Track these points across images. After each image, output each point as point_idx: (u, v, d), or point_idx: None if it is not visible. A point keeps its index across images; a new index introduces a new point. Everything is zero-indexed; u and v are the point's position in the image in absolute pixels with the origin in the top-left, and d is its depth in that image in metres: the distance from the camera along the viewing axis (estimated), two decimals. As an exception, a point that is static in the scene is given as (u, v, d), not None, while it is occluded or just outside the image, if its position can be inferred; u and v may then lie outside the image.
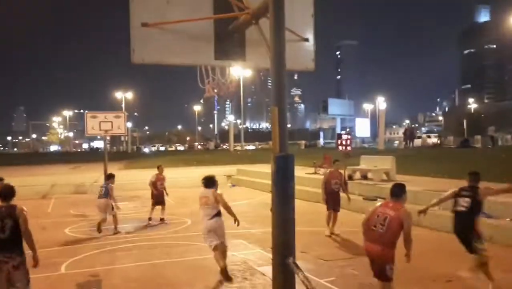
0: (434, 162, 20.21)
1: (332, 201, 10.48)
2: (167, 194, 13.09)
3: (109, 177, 11.77)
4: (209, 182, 7.66)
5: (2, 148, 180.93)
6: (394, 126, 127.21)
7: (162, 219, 12.61)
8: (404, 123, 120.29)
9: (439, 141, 45.40)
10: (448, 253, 8.45)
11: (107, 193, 11.19)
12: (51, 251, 9.02)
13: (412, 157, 23.40)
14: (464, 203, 6.31)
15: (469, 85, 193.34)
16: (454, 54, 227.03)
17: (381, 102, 54.99)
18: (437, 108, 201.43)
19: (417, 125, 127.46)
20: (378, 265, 5.33)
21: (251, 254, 8.59)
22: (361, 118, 71.04)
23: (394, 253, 5.28)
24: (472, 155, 22.44)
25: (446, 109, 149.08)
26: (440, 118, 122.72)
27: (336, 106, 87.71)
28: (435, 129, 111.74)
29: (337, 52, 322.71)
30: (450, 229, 7.49)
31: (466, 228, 6.31)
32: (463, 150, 28.08)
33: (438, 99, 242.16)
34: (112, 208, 11.13)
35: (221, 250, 7.00)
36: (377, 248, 5.25)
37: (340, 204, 10.60)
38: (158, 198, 12.72)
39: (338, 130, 75.64)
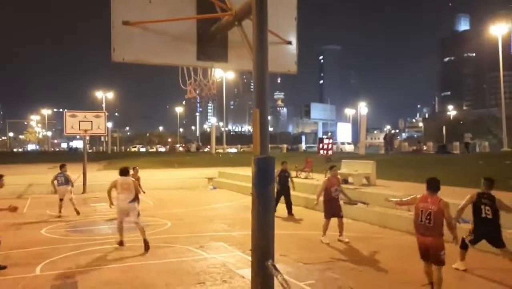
0: (414, 168, 20.48)
1: (333, 208, 10.06)
2: (143, 192, 13.65)
3: (63, 166, 13.66)
4: (126, 171, 10.01)
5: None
6: (375, 132, 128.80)
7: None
8: (385, 129, 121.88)
9: (418, 148, 46.11)
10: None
11: (67, 181, 13.36)
12: (26, 252, 8.82)
13: (392, 162, 23.68)
14: (488, 211, 7.02)
15: (448, 92, 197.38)
16: (434, 61, 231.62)
17: (363, 108, 55.53)
18: (418, 115, 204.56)
19: (397, 130, 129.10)
20: (433, 253, 6.05)
21: (231, 257, 8.54)
22: (343, 123, 71.65)
23: (443, 240, 6.05)
24: (450, 161, 22.84)
25: (426, 115, 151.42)
26: (420, 124, 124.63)
27: (318, 111, 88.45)
28: (415, 135, 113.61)
29: (320, 57, 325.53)
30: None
31: (493, 231, 7.08)
32: (441, 156, 28.55)
33: (419, 106, 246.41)
34: (71, 192, 13.39)
35: (139, 228, 9.22)
36: (429, 239, 6.02)
37: (341, 209, 10.25)
38: None
39: (320, 135, 76.22)
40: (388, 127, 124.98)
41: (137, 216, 9.29)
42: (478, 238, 7.24)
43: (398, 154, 36.41)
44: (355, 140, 76.83)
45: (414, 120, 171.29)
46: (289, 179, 13.87)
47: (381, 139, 52.55)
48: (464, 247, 7.34)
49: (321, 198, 10.23)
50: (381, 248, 9.33)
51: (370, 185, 15.26)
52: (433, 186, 6.22)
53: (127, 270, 7.62)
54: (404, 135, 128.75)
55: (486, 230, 7.09)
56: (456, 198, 11.30)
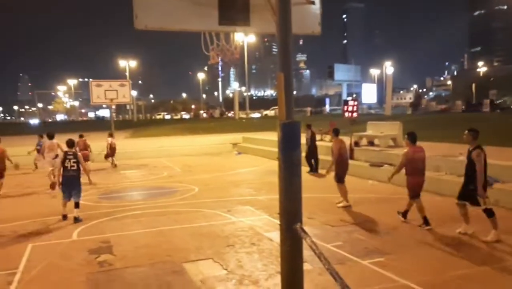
0: (442, 127, 20.10)
1: (346, 169, 10.03)
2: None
3: (42, 136, 15.62)
4: (53, 135, 13.29)
5: (9, 118, 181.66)
6: (401, 92, 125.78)
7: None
8: (411, 88, 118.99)
9: (447, 107, 45.00)
10: (454, 218, 8.54)
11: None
12: (62, 219, 9.17)
13: (420, 122, 23.26)
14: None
15: (478, 48, 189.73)
16: (463, 16, 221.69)
17: (388, 67, 54.04)
18: (446, 73, 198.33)
19: (425, 90, 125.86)
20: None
21: (258, 220, 8.70)
22: (368, 84, 70.19)
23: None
24: (479, 119, 22.25)
25: (455, 73, 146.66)
26: (449, 82, 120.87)
27: (342, 72, 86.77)
28: (443, 94, 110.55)
29: (343, 16, 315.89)
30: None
31: None
32: (470, 114, 27.82)
33: (447, 63, 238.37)
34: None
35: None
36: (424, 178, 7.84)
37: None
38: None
39: (344, 97, 75.07)
40: (415, 86, 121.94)
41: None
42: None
43: (425, 113, 35.66)
44: (381, 101, 75.51)
45: (442, 78, 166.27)
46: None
47: (408, 100, 51.47)
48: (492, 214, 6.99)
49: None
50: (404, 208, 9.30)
51: (396, 146, 15.09)
52: (416, 138, 8.10)
53: (158, 234, 7.88)
54: (431, 94, 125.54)
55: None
56: (489, 157, 11.11)
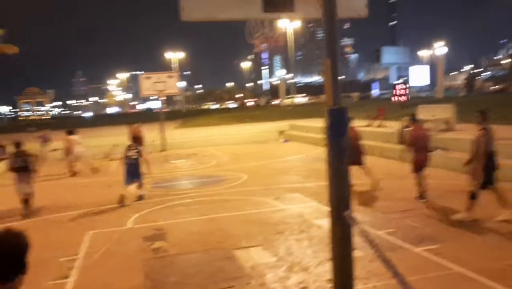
0: (497, 108, 19.06)
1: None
2: None
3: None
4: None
5: (65, 112, 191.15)
6: (451, 74, 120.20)
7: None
8: (462, 70, 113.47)
9: (504, 86, 42.61)
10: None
11: None
12: (118, 207, 9.60)
13: (474, 104, 22.17)
14: (492, 143, 7.15)
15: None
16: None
17: (440, 48, 51.71)
18: (502, 51, 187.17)
19: (481, 69, 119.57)
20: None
21: (307, 207, 8.69)
22: (417, 66, 67.56)
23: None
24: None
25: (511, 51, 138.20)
26: (505, 61, 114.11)
27: (390, 55, 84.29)
28: (500, 74, 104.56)
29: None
30: None
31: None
32: (531, 95, 26.22)
33: (504, 41, 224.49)
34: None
35: None
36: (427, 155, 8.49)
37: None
38: None
39: (392, 80, 72.83)
40: (469, 67, 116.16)
41: None
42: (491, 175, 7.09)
43: (480, 94, 33.96)
44: (433, 83, 72.61)
45: (497, 57, 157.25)
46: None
47: (461, 81, 49.17)
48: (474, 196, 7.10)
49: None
50: (461, 196, 8.94)
51: (449, 130, 14.50)
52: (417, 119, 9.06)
53: (209, 221, 8.06)
54: (486, 74, 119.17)
55: (495, 160, 7.20)
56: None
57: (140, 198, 10.16)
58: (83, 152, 15.36)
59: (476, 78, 40.91)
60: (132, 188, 10.02)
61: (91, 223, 8.39)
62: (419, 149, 8.55)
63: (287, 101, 53.23)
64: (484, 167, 6.96)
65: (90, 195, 11.40)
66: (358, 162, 9.50)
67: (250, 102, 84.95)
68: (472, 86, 35.10)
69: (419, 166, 8.59)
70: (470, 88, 34.15)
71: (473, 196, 7.11)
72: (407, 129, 8.71)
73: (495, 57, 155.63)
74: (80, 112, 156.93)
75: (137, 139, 11.57)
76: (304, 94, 74.28)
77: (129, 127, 16.96)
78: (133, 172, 10.17)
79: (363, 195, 9.17)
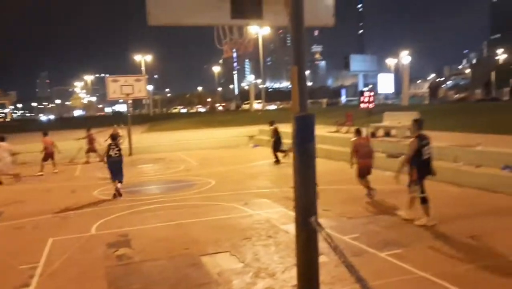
0: (460, 117, 19.77)
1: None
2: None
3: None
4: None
5: (28, 114, 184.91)
6: (418, 81, 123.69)
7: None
8: (429, 78, 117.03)
9: (465, 95, 44.23)
10: (472, 209, 8.43)
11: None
12: (82, 213, 9.38)
13: (437, 112, 22.93)
14: (429, 151, 7.43)
15: (498, 35, 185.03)
16: (483, 2, 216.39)
17: (405, 56, 53.19)
18: (464, 61, 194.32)
19: (443, 78, 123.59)
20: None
21: (275, 213, 8.73)
22: (384, 74, 69.29)
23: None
24: (498, 108, 21.82)
25: (474, 61, 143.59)
26: (467, 71, 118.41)
27: (358, 62, 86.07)
28: (462, 83, 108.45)
29: (359, 5, 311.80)
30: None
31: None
32: (489, 103, 27.31)
33: (466, 51, 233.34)
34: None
35: None
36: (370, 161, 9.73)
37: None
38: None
39: (360, 87, 74.37)
40: (433, 75, 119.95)
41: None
42: (423, 179, 7.48)
43: (443, 103, 35.13)
44: (398, 91, 74.57)
45: (460, 66, 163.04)
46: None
47: (425, 89, 50.67)
48: (425, 201, 7.45)
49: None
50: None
51: (414, 137, 14.90)
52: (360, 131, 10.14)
53: (176, 227, 7.97)
54: (450, 83, 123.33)
55: (429, 168, 7.50)
56: (502, 145, 10.90)
57: (119, 194, 10.88)
58: (7, 159, 14.21)
59: (439, 87, 42.27)
60: (117, 184, 10.94)
61: (53, 229, 8.13)
62: (361, 156, 9.62)
63: (246, 106, 53.27)
64: (419, 172, 7.43)
65: (53, 200, 11.06)
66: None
67: (219, 107, 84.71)
68: (435, 94, 36.36)
69: (362, 172, 9.62)
70: (433, 96, 35.34)
71: (423, 201, 7.42)
72: (353, 139, 9.85)
73: (459, 67, 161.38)
74: (41, 115, 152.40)
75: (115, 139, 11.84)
76: (260, 101, 74.65)
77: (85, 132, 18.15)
78: (117, 168, 11.10)
79: (330, 200, 9.29)
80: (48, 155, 16.16)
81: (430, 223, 7.30)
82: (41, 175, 15.36)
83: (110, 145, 11.30)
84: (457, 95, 50.43)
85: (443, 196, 9.56)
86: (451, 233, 6.93)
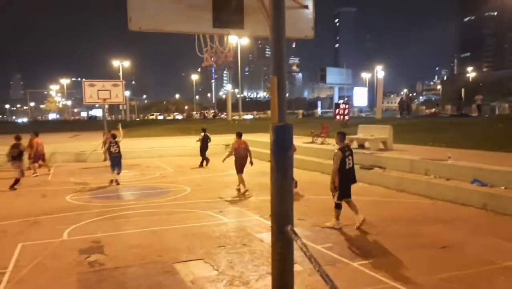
0: (431, 131, 20.29)
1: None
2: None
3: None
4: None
5: (0, 116, 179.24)
6: (391, 96, 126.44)
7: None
8: (402, 92, 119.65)
9: (436, 111, 45.43)
10: (443, 221, 8.66)
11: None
12: (53, 218, 9.17)
13: (409, 126, 23.45)
14: (351, 161, 8.04)
15: (468, 54, 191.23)
16: (453, 21, 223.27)
17: (379, 71, 54.38)
18: (436, 77, 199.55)
19: (415, 94, 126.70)
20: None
21: (249, 221, 8.75)
22: (359, 87, 70.52)
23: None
24: (468, 124, 22.52)
25: (445, 78, 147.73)
26: (439, 87, 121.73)
27: (334, 75, 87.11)
28: (433, 98, 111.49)
29: (336, 20, 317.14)
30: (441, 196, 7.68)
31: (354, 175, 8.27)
32: (459, 119, 28.15)
33: (437, 68, 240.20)
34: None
35: None
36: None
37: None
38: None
39: (336, 100, 75.39)
40: (405, 90, 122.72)
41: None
42: (348, 189, 8.12)
43: (415, 117, 35.99)
44: (372, 104, 75.95)
45: (432, 83, 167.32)
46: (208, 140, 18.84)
47: (398, 103, 51.79)
48: (339, 207, 8.16)
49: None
50: (397, 212, 9.43)
51: (387, 150, 15.23)
52: (241, 134, 12.61)
53: (150, 234, 7.89)
54: (421, 98, 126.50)
55: (354, 176, 8.20)
56: (472, 159, 11.27)
57: (117, 182, 13.42)
58: None
59: (412, 102, 43.39)
60: (115, 175, 13.51)
61: (23, 235, 7.92)
62: (239, 158, 12.17)
63: (236, 116, 53.41)
64: (341, 181, 7.97)
65: (23, 205, 10.78)
66: None
67: (197, 115, 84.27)
68: (408, 109, 37.53)
69: (238, 168, 12.06)
70: (402, 111, 36.49)
71: (337, 206, 8.13)
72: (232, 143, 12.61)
73: (431, 83, 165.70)
74: (14, 117, 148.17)
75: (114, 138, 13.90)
76: (254, 112, 74.94)
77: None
78: (117, 162, 13.52)
79: (304, 209, 9.38)
80: (39, 156, 16.07)
81: (337, 226, 8.07)
82: (37, 175, 15.62)
83: (110, 142, 13.58)
84: (428, 110, 51.70)
85: (415, 207, 9.81)
86: (422, 243, 7.10)
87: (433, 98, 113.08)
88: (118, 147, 13.57)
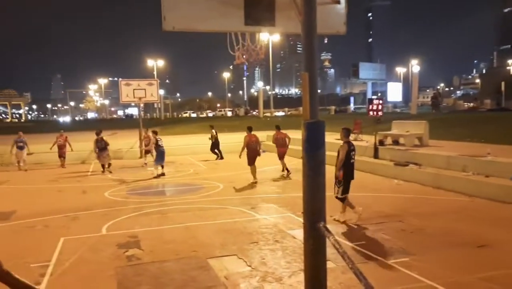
0: (469, 126, 19.69)
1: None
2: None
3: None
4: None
5: (42, 116, 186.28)
6: (427, 90, 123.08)
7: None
8: (438, 87, 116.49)
9: (475, 105, 43.96)
10: (481, 219, 8.41)
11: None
12: (92, 214, 9.49)
13: (446, 121, 22.83)
14: (353, 157, 8.36)
15: (508, 46, 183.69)
16: (493, 13, 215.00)
17: (414, 66, 53.04)
18: (474, 71, 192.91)
19: (452, 88, 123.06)
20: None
21: (282, 218, 8.77)
22: (393, 83, 69.10)
23: None
24: (508, 119, 21.67)
25: (484, 71, 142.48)
26: (477, 80, 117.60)
27: (367, 70, 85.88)
28: (471, 92, 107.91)
29: (369, 14, 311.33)
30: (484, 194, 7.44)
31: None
32: (498, 113, 27.13)
33: (475, 61, 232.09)
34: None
35: None
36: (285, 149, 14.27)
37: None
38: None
39: (369, 95, 74.21)
40: (442, 85, 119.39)
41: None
42: (349, 184, 8.30)
43: (452, 112, 34.94)
44: (407, 99, 74.31)
45: (470, 76, 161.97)
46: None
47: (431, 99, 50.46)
48: (344, 199, 8.32)
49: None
50: (434, 209, 9.22)
51: (422, 146, 14.89)
52: (250, 129, 13.93)
53: (184, 230, 8.04)
54: (459, 92, 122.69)
55: (353, 172, 8.36)
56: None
57: (162, 174, 14.81)
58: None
59: (441, 98, 41.89)
60: (160, 168, 14.85)
61: (64, 229, 8.24)
62: (251, 151, 13.21)
63: (267, 114, 53.45)
64: (345, 176, 8.16)
65: (65, 200, 11.20)
66: None
67: (228, 112, 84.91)
68: (437, 105, 36.66)
69: (250, 160, 13.17)
70: (435, 106, 35.54)
71: (342, 200, 8.30)
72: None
73: (469, 76, 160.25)
74: (55, 117, 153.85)
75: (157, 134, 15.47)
76: (285, 109, 74.64)
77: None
78: (161, 156, 14.80)
79: (337, 206, 9.31)
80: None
81: (359, 212, 8.23)
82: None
83: (157, 138, 15.10)
84: (466, 105, 50.10)
85: (452, 204, 9.57)
86: (460, 242, 6.92)
87: (471, 93, 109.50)
88: (162, 142, 15.09)
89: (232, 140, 24.25)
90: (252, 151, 13.25)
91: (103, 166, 16.30)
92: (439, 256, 6.28)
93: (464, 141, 15.59)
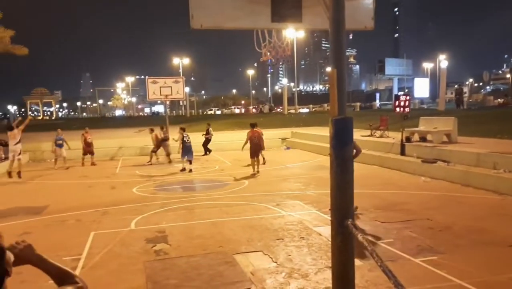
0: (499, 122, 19.16)
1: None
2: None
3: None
4: (11, 126, 14.75)
5: (72, 113, 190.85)
6: (456, 86, 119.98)
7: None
8: (467, 82, 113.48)
9: (505, 101, 42.69)
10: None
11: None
12: (121, 209, 9.70)
13: (476, 117, 22.28)
14: None
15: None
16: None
17: (442, 61, 51.84)
18: (504, 65, 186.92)
19: (481, 84, 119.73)
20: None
21: (307, 215, 8.76)
22: (420, 78, 67.73)
23: None
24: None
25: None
26: (508, 76, 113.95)
27: (393, 66, 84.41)
28: (501, 88, 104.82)
29: (395, 9, 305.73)
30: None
31: None
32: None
33: (506, 56, 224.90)
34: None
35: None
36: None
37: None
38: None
39: (395, 91, 72.96)
40: (471, 80, 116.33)
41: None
42: None
43: (482, 108, 34.04)
44: (434, 95, 72.79)
45: (500, 71, 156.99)
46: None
47: (464, 94, 49.29)
48: None
49: None
50: (463, 207, 9.04)
51: (451, 142, 14.58)
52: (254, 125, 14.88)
53: (210, 226, 8.14)
54: (488, 88, 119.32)
55: None
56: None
57: (190, 170, 15.28)
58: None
59: (460, 95, 40.85)
60: (188, 164, 15.43)
61: (95, 224, 8.47)
62: (253, 145, 14.36)
63: (292, 110, 53.25)
64: None
65: (94, 195, 11.49)
66: None
67: (253, 109, 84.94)
68: (461, 101, 35.94)
69: (252, 153, 14.35)
70: (459, 102, 34.82)
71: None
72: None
73: (499, 71, 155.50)
74: (85, 114, 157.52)
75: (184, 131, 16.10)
76: (310, 106, 74.18)
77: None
78: (188, 151, 15.36)
79: (364, 204, 9.24)
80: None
81: None
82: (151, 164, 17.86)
83: (183, 134, 15.54)
84: (496, 101, 48.71)
85: (482, 202, 9.36)
86: (490, 241, 6.78)
87: (501, 88, 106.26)
88: (189, 138, 15.68)
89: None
90: (254, 145, 14.39)
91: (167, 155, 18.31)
92: (468, 255, 6.16)
93: (494, 138, 15.19)
